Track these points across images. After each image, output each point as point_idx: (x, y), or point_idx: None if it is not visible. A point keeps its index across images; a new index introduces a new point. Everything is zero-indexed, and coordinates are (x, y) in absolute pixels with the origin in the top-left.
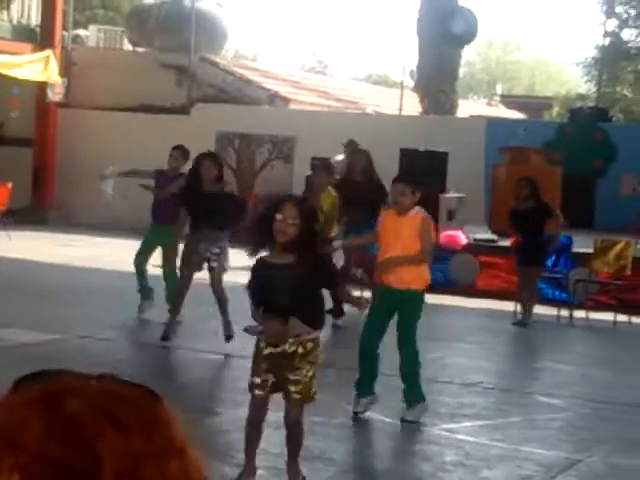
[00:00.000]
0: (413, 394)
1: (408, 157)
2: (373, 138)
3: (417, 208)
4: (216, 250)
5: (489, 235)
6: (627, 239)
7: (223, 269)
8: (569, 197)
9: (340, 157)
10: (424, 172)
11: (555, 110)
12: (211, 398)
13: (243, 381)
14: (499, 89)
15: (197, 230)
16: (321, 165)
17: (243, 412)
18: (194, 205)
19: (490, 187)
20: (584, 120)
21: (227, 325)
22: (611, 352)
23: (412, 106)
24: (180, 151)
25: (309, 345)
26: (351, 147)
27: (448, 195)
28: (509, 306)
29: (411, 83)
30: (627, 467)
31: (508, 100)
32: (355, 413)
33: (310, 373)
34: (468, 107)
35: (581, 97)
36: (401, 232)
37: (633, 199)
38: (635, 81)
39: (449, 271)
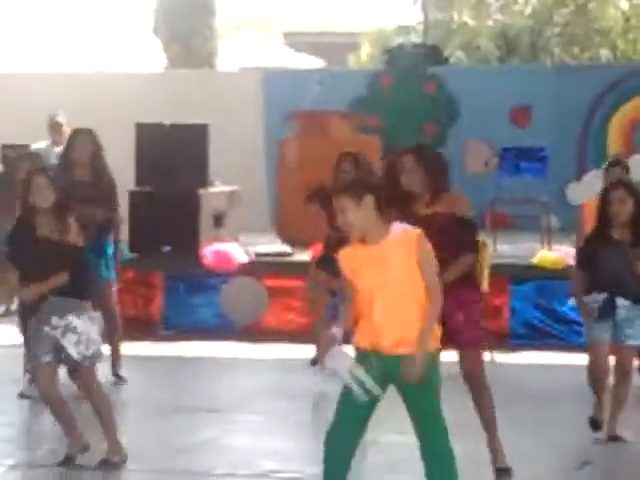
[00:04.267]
0: None
1: (148, 135)
2: (93, 109)
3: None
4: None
5: (278, 246)
6: (481, 239)
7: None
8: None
9: (44, 143)
10: (173, 157)
11: (365, 51)
12: None
13: None
14: (280, 23)
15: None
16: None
17: None
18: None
19: (275, 174)
20: (407, 65)
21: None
22: (467, 409)
23: (152, 57)
24: None
25: None
26: (54, 127)
27: (213, 190)
28: (311, 351)
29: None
30: None
31: (295, 40)
32: None
33: None
34: (236, 55)
35: (402, 30)
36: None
37: (485, 178)
38: (478, 1)
39: (221, 305)
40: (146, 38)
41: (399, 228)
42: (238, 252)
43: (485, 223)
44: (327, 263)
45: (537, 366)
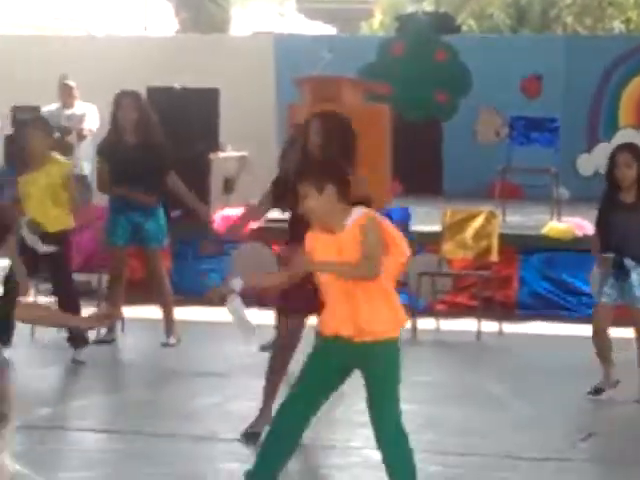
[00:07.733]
0: None
1: (159, 99)
2: (104, 73)
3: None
4: None
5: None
6: (490, 208)
7: None
8: (404, 149)
9: (54, 106)
10: (185, 121)
11: (377, 19)
12: None
13: None
14: None
15: None
16: (32, 122)
17: None
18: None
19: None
20: (418, 32)
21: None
22: (473, 379)
23: (165, 22)
24: None
25: None
26: (64, 90)
27: (223, 155)
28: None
29: None
30: None
31: (308, 7)
32: None
33: None
34: (249, 21)
35: None
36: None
37: (496, 147)
38: None
39: (230, 271)
40: (158, 3)
41: (356, 215)
42: None
43: (495, 193)
44: None
45: (544, 337)
